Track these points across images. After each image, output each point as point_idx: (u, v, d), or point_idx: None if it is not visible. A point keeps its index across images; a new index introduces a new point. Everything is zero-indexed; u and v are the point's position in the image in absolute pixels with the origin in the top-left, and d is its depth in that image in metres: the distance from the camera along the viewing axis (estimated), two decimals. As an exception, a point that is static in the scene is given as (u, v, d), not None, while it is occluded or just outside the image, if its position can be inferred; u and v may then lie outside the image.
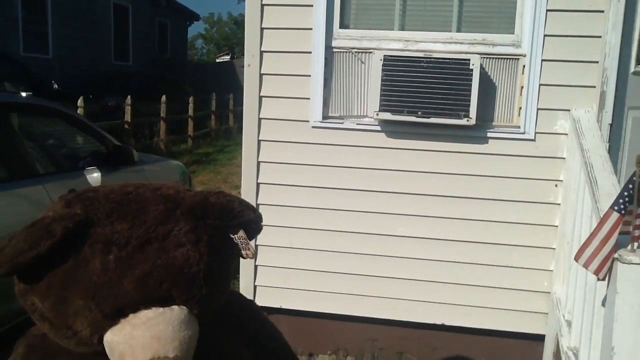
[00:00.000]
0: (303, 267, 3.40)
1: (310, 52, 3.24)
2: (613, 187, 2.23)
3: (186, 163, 7.81)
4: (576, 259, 1.85)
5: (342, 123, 3.27)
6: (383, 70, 3.06)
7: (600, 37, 2.98)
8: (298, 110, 3.29)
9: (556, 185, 3.12)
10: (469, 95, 3.01)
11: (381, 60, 3.06)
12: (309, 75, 3.25)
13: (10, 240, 1.13)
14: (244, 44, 3.34)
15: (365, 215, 3.30)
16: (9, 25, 13.79)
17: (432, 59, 3.04)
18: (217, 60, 35.56)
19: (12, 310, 3.22)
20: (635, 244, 1.76)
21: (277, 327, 1.66)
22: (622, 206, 1.71)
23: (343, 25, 3.26)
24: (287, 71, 3.29)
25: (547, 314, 3.17)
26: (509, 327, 3.25)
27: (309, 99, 3.27)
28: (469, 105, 3.01)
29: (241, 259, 1.38)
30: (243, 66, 3.30)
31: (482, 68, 3.04)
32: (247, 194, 3.32)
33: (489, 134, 3.15)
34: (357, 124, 3.26)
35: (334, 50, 3.25)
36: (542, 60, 3.05)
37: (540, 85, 3.07)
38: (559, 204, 3.12)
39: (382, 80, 3.06)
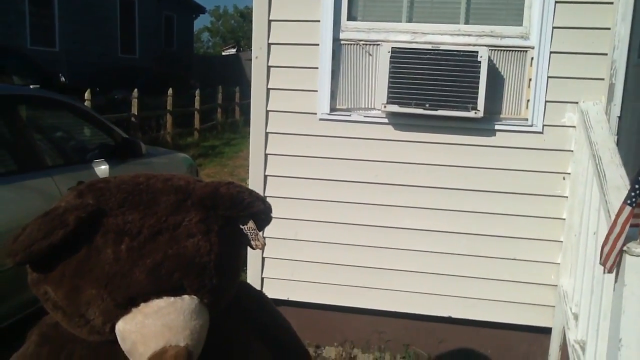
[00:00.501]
0: (310, 259, 3.41)
1: (318, 45, 3.23)
2: (622, 179, 2.22)
3: (192, 156, 7.82)
4: (600, 260, 1.84)
5: (350, 115, 3.27)
6: (391, 62, 3.05)
7: (609, 28, 2.96)
8: (305, 103, 3.29)
9: (564, 178, 3.11)
10: (477, 88, 3.00)
11: (389, 52, 3.06)
12: (317, 68, 3.25)
13: (24, 229, 1.14)
14: (252, 37, 3.34)
15: (372, 207, 3.30)
16: (17, 19, 13.83)
17: (440, 51, 3.03)
18: (223, 53, 35.54)
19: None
20: (644, 236, 1.76)
21: (286, 318, 1.67)
22: (633, 199, 1.70)
23: (351, 18, 3.25)
24: (294, 63, 3.29)
25: (554, 306, 3.18)
26: (515, 320, 3.25)
27: (316, 91, 3.27)
28: (476, 98, 3.00)
29: (249, 250, 1.38)
30: (249, 59, 3.30)
31: (490, 60, 3.03)
32: (254, 186, 3.33)
33: (496, 127, 3.14)
34: (364, 116, 3.26)
35: (342, 42, 3.25)
36: (551, 52, 3.04)
37: (548, 77, 3.06)
38: (567, 197, 3.11)
39: (390, 72, 3.06)
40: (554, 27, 3.02)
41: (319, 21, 3.22)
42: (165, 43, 21.57)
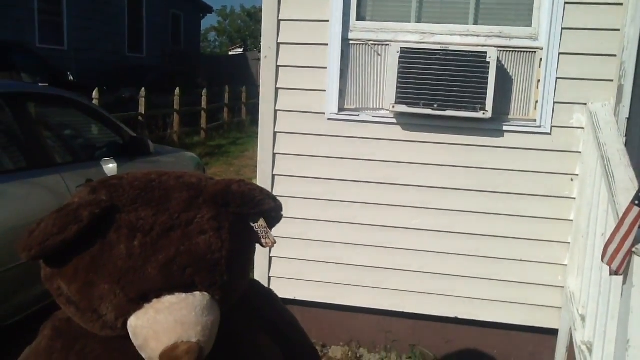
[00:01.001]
0: (317, 258, 3.42)
1: (327, 44, 3.24)
2: (630, 181, 2.22)
3: (199, 155, 7.83)
4: (602, 258, 1.84)
5: (358, 115, 3.27)
6: (399, 62, 3.06)
7: (618, 30, 2.96)
8: (314, 102, 3.30)
9: (572, 179, 3.11)
10: (485, 88, 3.00)
11: (398, 52, 3.06)
12: (325, 68, 3.26)
13: (38, 224, 1.15)
14: (259, 37, 3.35)
15: (380, 207, 3.31)
16: (25, 17, 13.88)
17: (449, 52, 3.03)
18: (230, 53, 35.58)
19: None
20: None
21: (294, 316, 1.68)
22: (642, 199, 1.71)
23: (360, 18, 3.26)
24: (303, 63, 3.30)
25: (560, 308, 3.17)
26: (522, 321, 3.25)
27: (325, 91, 3.28)
28: (485, 98, 3.01)
29: (257, 249, 1.39)
30: (256, 59, 3.32)
31: (498, 61, 3.03)
32: (262, 185, 3.33)
33: (504, 127, 3.14)
34: (373, 116, 3.26)
35: (351, 42, 3.26)
36: (560, 53, 3.04)
37: (557, 78, 3.06)
38: (574, 198, 3.11)
39: (399, 72, 3.06)
40: (563, 28, 3.02)
41: (328, 21, 3.23)
42: (172, 42, 21.60)
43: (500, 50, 3.09)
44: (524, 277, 3.21)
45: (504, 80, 3.11)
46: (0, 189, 3.21)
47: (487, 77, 2.99)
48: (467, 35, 3.15)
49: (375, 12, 3.29)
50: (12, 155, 3.65)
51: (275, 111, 3.35)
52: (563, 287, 3.16)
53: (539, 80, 3.09)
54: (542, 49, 3.07)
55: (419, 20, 3.24)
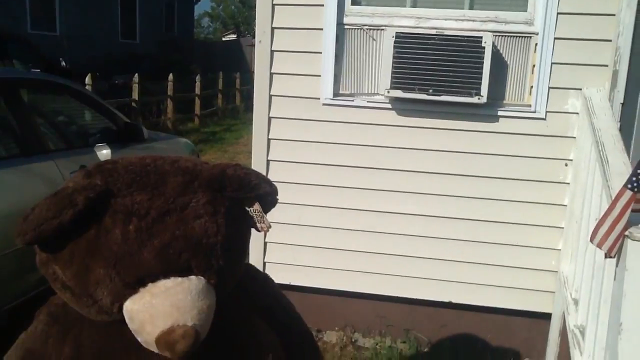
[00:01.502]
0: (312, 244, 3.43)
1: (322, 29, 3.22)
2: (624, 165, 2.22)
3: (193, 142, 7.82)
4: (591, 239, 1.85)
5: (353, 100, 3.27)
6: (395, 47, 3.05)
7: (614, 15, 2.95)
8: (309, 87, 3.29)
9: (566, 165, 3.12)
10: (481, 73, 2.99)
11: (393, 37, 3.05)
12: (320, 52, 3.24)
13: (33, 209, 1.15)
14: (254, 22, 3.33)
15: (374, 192, 3.31)
16: (16, 3, 13.75)
17: (444, 37, 3.02)
18: (224, 39, 35.37)
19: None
20: (647, 221, 1.77)
21: (290, 301, 1.69)
22: (635, 184, 1.71)
23: (355, 2, 3.24)
24: (298, 48, 3.28)
25: (554, 292, 3.19)
26: (516, 305, 3.27)
27: (319, 76, 3.26)
28: (480, 83, 3.00)
29: (252, 234, 1.39)
30: (249, 45, 3.30)
31: (494, 46, 3.02)
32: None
33: (499, 113, 3.14)
34: (368, 101, 3.25)
35: (346, 27, 3.24)
36: (555, 38, 3.03)
37: (552, 63, 3.06)
38: (569, 183, 3.12)
39: (394, 57, 3.05)
40: (558, 13, 3.01)
41: (322, 5, 3.21)
42: (165, 28, 21.45)
43: (496, 35, 3.08)
44: (518, 261, 3.23)
45: (499, 66, 3.11)
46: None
47: (483, 62, 2.98)
48: (462, 20, 3.13)
49: (370, -3, 3.27)
50: (6, 143, 3.63)
51: (270, 96, 3.34)
52: (556, 271, 3.18)
53: (534, 66, 3.09)
54: (537, 34, 3.06)
55: (414, 5, 3.23)
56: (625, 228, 1.77)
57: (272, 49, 3.30)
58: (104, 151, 4.15)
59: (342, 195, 3.34)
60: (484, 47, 2.97)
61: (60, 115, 4.68)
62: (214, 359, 1.30)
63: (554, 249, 3.19)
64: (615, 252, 1.81)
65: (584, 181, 2.77)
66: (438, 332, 3.43)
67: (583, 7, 2.99)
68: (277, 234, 3.37)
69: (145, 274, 1.16)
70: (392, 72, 3.06)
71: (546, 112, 3.10)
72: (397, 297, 3.40)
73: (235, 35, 35.32)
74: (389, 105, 3.23)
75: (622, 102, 2.96)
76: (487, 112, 3.13)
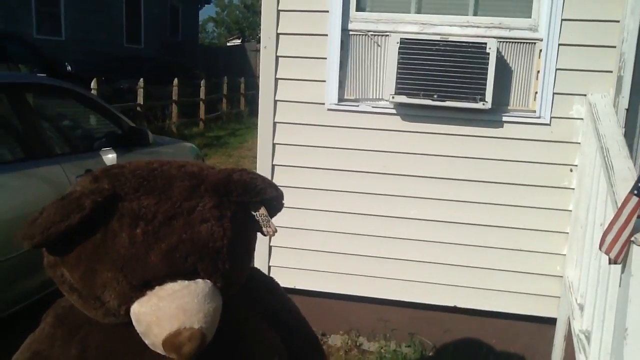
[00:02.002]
0: (316, 248, 3.43)
1: (327, 35, 3.24)
2: (629, 171, 2.22)
3: (198, 146, 7.84)
4: (600, 246, 1.85)
5: (358, 106, 3.28)
6: (399, 53, 3.06)
7: (618, 21, 2.96)
8: (314, 93, 3.30)
9: (571, 170, 3.12)
10: (485, 79, 3.00)
11: (397, 43, 3.06)
12: (325, 58, 3.26)
13: (41, 212, 1.16)
14: (259, 27, 3.34)
15: (380, 197, 3.32)
16: (22, 7, 13.83)
17: (449, 43, 3.03)
18: (228, 44, 35.47)
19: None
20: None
21: (296, 305, 1.69)
22: (641, 190, 1.71)
23: (359, 8, 3.25)
24: (303, 54, 3.29)
25: (559, 297, 3.19)
26: (520, 310, 3.27)
27: (324, 81, 3.28)
28: (484, 89, 3.01)
29: (258, 238, 1.40)
30: (254, 50, 3.31)
31: (498, 52, 3.03)
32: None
33: (504, 118, 3.14)
34: (372, 106, 3.26)
35: (350, 32, 3.25)
36: (559, 44, 3.04)
37: (556, 69, 3.06)
38: (573, 189, 3.12)
39: (398, 63, 3.06)
40: (562, 19, 3.02)
41: (327, 11, 3.22)
42: (170, 33, 21.53)
43: (500, 41, 3.09)
44: (523, 266, 3.23)
45: (504, 71, 3.11)
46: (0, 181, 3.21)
47: (487, 68, 2.99)
48: (466, 26, 3.14)
49: (375, 3, 3.28)
50: (11, 146, 3.65)
51: (275, 101, 3.35)
52: (562, 276, 3.18)
53: (538, 71, 3.09)
54: (541, 40, 3.07)
55: (418, 11, 3.24)
56: (632, 234, 1.77)
57: (278, 54, 3.31)
58: (110, 155, 4.17)
59: (348, 200, 3.35)
60: (488, 53, 2.98)
61: (66, 119, 4.70)
62: (220, 361, 1.31)
63: (559, 254, 3.19)
64: (622, 258, 1.81)
65: (588, 187, 2.77)
66: (442, 337, 3.43)
67: (587, 13, 3.00)
68: (282, 238, 3.39)
69: (152, 276, 1.17)
70: (397, 78, 3.08)
71: (551, 117, 3.10)
72: (402, 302, 3.40)
73: (239, 41, 35.41)
74: (394, 111, 3.24)
75: (626, 108, 2.95)
76: (492, 117, 3.14)
